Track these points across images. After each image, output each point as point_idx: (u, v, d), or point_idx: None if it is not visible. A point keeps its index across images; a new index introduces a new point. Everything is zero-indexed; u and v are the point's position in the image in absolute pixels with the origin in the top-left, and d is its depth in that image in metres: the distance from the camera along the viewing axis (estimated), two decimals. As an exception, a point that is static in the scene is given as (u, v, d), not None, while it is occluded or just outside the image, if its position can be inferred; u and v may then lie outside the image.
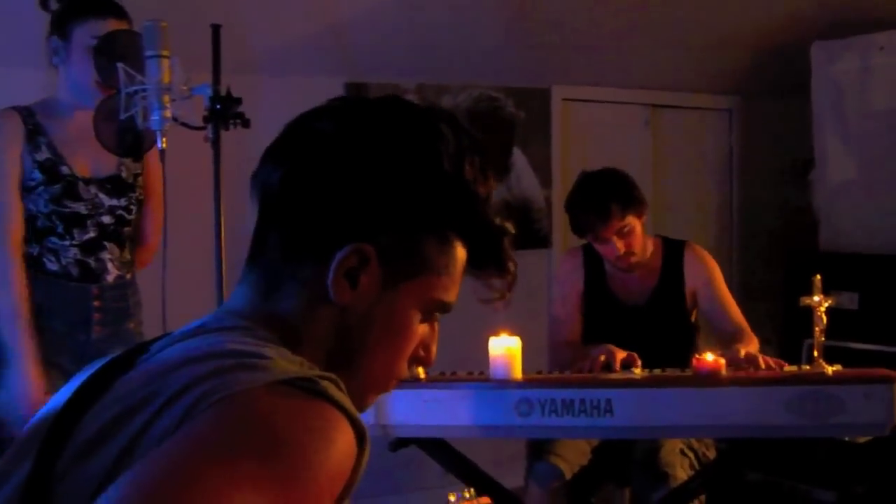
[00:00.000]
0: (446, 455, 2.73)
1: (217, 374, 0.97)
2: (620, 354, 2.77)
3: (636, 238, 3.09)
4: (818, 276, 2.64)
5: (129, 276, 2.86)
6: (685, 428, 2.60)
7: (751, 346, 2.85)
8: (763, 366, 2.62)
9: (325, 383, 0.99)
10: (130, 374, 1.07)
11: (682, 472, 2.92)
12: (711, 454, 3.06)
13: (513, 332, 2.67)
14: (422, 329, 1.17)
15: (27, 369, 2.61)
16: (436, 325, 1.20)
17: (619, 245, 3.06)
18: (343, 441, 0.96)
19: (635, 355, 2.78)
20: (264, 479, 0.87)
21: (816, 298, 2.64)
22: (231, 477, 0.86)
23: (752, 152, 5.29)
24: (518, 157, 4.68)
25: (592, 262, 3.26)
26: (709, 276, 3.16)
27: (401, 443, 2.72)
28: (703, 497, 3.00)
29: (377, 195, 1.09)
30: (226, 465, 0.87)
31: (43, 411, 1.11)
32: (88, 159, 2.72)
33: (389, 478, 3.51)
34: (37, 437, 1.05)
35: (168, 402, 0.96)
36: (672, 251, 3.21)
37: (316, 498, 0.93)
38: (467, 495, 1.89)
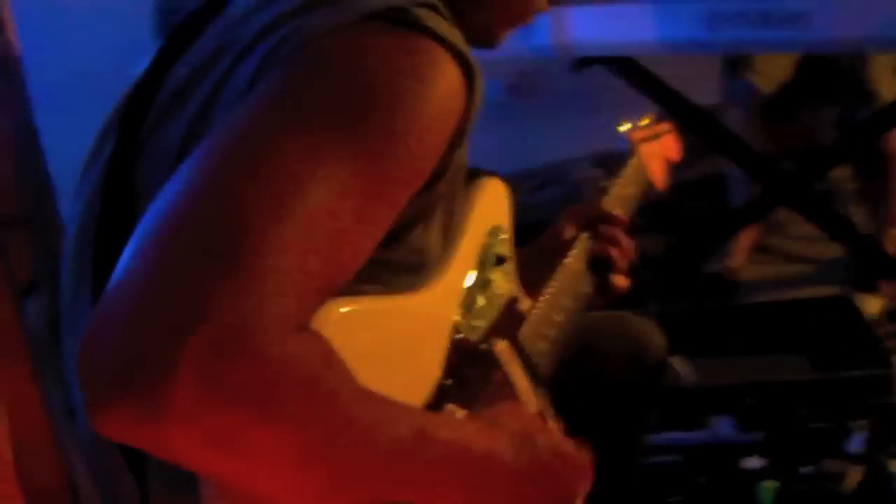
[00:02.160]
0: (634, 74, 2.65)
1: (290, 16, 0.84)
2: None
3: None
4: None
5: None
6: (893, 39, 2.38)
7: None
8: None
9: (420, 11, 0.83)
10: (207, 30, 0.96)
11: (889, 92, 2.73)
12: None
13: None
14: None
15: None
16: None
17: None
18: (445, 80, 0.82)
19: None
20: (350, 140, 0.76)
21: None
22: (310, 148, 0.75)
23: None
24: None
25: None
26: None
27: (584, 62, 2.65)
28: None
29: None
30: (303, 134, 0.76)
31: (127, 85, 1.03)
32: None
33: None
34: (121, 110, 0.98)
35: (241, 55, 0.85)
36: None
37: (418, 151, 0.81)
38: (644, 122, 1.77)
